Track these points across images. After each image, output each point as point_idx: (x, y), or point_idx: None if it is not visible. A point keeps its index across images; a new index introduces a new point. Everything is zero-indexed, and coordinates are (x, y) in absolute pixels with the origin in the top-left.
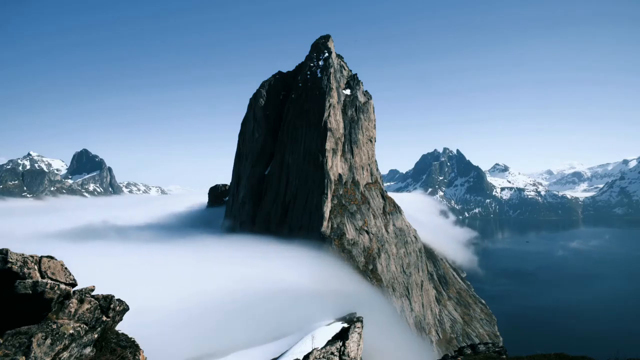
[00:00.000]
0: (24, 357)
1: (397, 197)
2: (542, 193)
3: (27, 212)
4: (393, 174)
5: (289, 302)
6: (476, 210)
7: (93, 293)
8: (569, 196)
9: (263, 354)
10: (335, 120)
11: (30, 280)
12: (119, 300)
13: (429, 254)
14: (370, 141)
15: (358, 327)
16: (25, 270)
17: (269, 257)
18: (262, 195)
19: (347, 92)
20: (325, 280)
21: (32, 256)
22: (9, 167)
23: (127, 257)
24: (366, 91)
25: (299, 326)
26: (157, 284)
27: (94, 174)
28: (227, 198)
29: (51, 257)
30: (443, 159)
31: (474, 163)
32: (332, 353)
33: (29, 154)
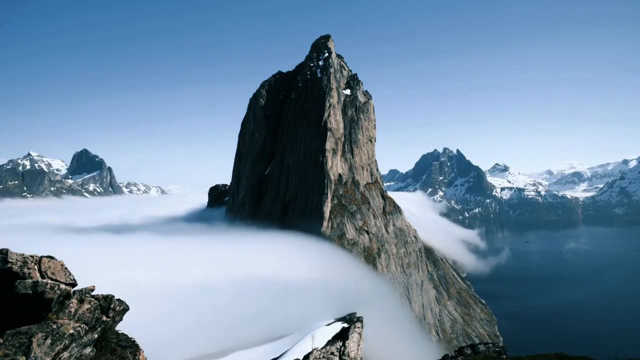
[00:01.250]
0: (24, 357)
1: (398, 197)
2: (542, 193)
3: (45, 211)
4: (393, 174)
5: (289, 302)
6: (476, 210)
7: (93, 293)
8: (569, 196)
9: (263, 354)
10: (335, 120)
11: (30, 280)
12: (119, 300)
13: (429, 254)
14: (370, 141)
15: (358, 327)
16: (25, 270)
17: (269, 256)
18: (262, 195)
19: (347, 92)
20: (325, 279)
21: (32, 256)
22: (9, 167)
23: (125, 258)
24: (366, 91)
25: (299, 326)
26: (156, 284)
27: (94, 174)
28: (227, 198)
29: (51, 257)
30: (443, 159)
31: (474, 163)
32: (332, 353)
33: (29, 154)
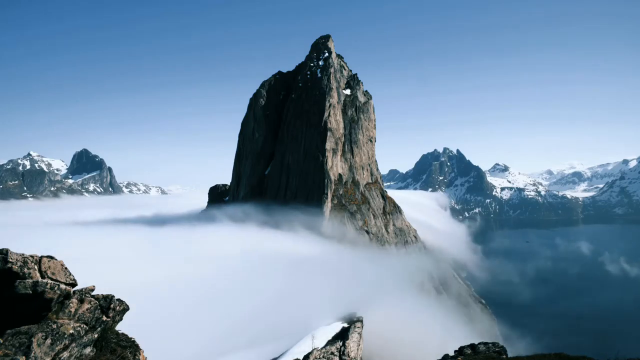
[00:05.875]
0: (24, 357)
1: (404, 195)
2: (542, 193)
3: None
4: (393, 174)
5: (289, 302)
6: (476, 210)
7: (93, 293)
8: (569, 196)
9: (263, 354)
10: (335, 120)
11: (30, 280)
12: (119, 300)
13: (429, 253)
14: (370, 141)
15: (358, 327)
16: (26, 270)
17: (269, 256)
18: (262, 195)
19: (347, 92)
20: (325, 278)
21: (32, 256)
22: (9, 167)
23: (124, 258)
24: (366, 91)
25: (299, 326)
26: (156, 284)
27: (94, 174)
28: (227, 198)
29: (51, 257)
30: (443, 159)
31: (474, 163)
32: (332, 353)
33: (29, 154)
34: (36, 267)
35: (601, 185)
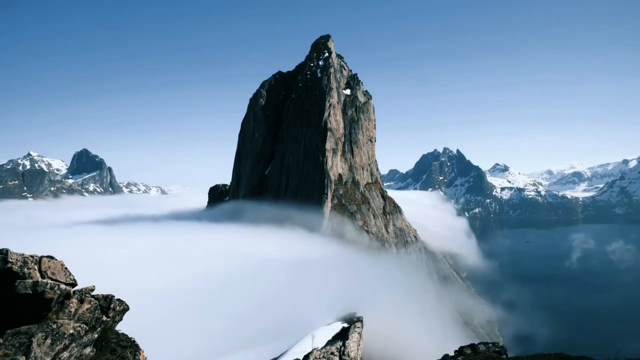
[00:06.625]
0: (24, 357)
1: (399, 196)
2: (542, 193)
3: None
4: (393, 174)
5: (289, 302)
6: (476, 210)
7: (93, 293)
8: (569, 196)
9: (263, 354)
10: (335, 120)
11: (30, 280)
12: (119, 300)
13: (429, 253)
14: (370, 141)
15: (358, 327)
16: (26, 270)
17: (269, 256)
18: (262, 195)
19: (347, 92)
20: (325, 278)
21: (32, 256)
22: (9, 167)
23: (124, 258)
24: (366, 91)
25: (299, 326)
26: (156, 283)
27: (94, 173)
28: (227, 198)
29: (51, 257)
30: (443, 159)
31: (474, 163)
32: (332, 353)
33: (29, 154)
34: (36, 267)
35: (601, 185)
